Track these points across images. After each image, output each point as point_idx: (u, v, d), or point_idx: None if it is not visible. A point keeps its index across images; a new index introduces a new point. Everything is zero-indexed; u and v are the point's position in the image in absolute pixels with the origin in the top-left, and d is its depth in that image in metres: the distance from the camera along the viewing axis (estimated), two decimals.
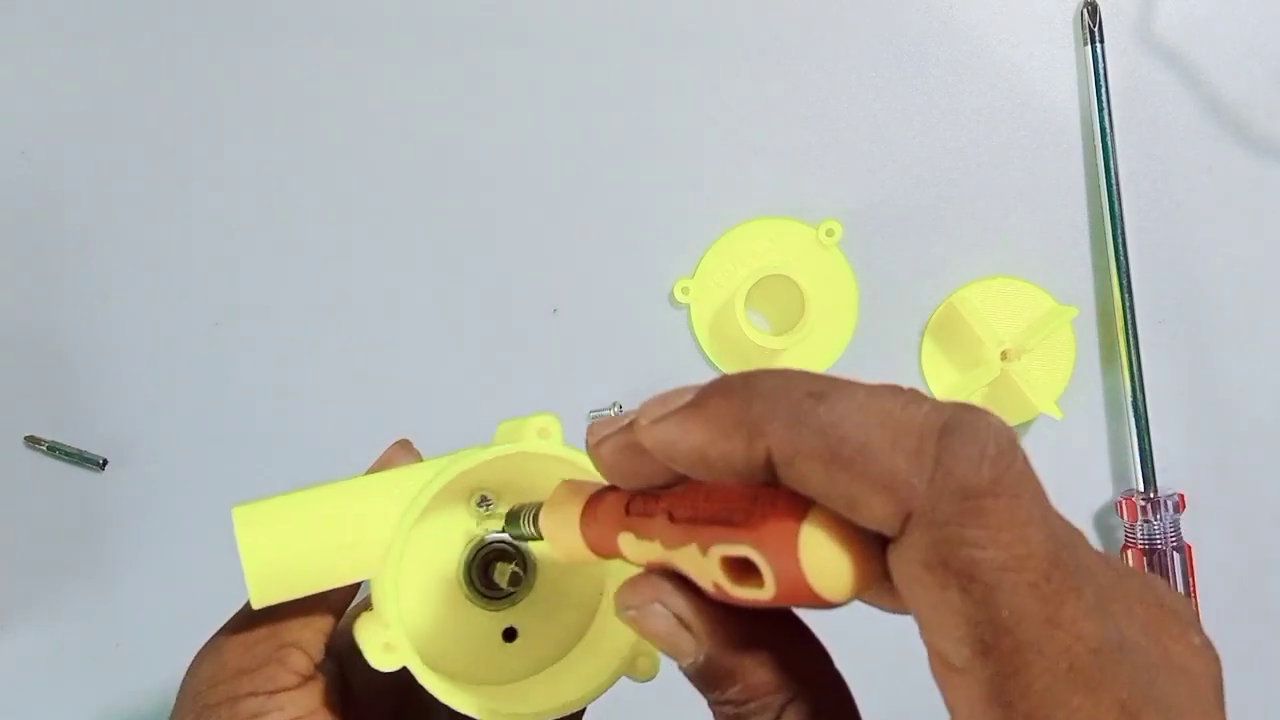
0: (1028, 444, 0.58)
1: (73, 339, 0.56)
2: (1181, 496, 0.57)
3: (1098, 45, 0.58)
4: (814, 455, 0.20)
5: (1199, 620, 0.22)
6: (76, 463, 0.56)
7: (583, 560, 0.27)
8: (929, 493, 0.19)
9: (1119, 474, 0.59)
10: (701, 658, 0.23)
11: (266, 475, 0.56)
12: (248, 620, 0.31)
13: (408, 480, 0.31)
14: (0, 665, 0.55)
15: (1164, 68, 0.59)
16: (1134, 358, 0.57)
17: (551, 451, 0.31)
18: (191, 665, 0.32)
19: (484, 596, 0.33)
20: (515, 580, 0.33)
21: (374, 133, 0.58)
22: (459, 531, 0.33)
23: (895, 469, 0.19)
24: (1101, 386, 0.59)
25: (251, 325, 0.57)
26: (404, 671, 0.31)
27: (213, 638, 0.32)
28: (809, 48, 0.58)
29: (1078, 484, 0.59)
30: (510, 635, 0.34)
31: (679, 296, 0.57)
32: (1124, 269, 0.57)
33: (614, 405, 0.57)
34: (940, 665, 0.20)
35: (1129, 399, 0.57)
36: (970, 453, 0.19)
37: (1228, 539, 0.59)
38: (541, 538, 0.28)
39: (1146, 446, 0.57)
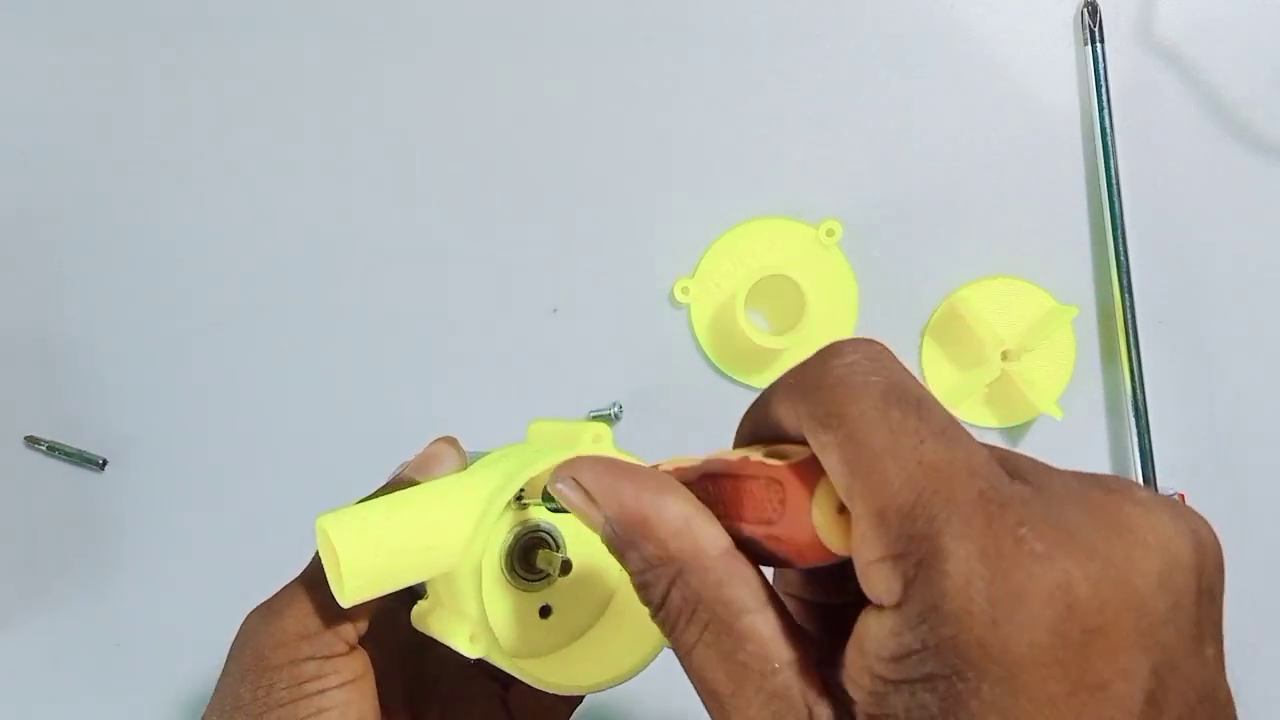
0: (1028, 444, 0.58)
1: (73, 339, 0.56)
2: (1182, 496, 0.57)
3: (1098, 45, 0.58)
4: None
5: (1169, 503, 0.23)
6: (76, 463, 0.56)
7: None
8: (802, 390, 0.25)
9: (1119, 474, 0.59)
10: (608, 529, 0.27)
11: (267, 475, 0.56)
12: (305, 592, 0.34)
13: (478, 485, 0.34)
14: (0, 665, 0.55)
15: (1164, 68, 0.59)
16: (1134, 358, 0.57)
17: (609, 455, 0.34)
18: (245, 629, 0.34)
19: (523, 579, 0.36)
20: (566, 568, 0.36)
21: (374, 132, 0.58)
22: (501, 523, 0.36)
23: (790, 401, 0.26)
24: (1101, 386, 0.59)
25: (251, 325, 0.57)
26: (413, 650, 0.35)
27: (268, 605, 0.34)
28: (809, 47, 0.58)
29: None
30: (545, 612, 0.37)
31: (679, 296, 0.57)
32: (1124, 269, 0.57)
33: (614, 405, 0.57)
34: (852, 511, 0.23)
35: (1129, 399, 0.57)
36: (813, 356, 0.25)
37: (1227, 539, 0.59)
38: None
39: (1146, 446, 0.57)
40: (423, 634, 0.36)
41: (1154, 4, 0.59)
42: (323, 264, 0.57)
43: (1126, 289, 0.57)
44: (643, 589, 0.26)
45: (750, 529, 0.25)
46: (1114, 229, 0.57)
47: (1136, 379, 0.57)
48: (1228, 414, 0.59)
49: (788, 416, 0.25)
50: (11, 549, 0.56)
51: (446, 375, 0.57)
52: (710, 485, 0.27)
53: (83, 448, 0.56)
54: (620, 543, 0.26)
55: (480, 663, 0.36)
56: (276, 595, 0.35)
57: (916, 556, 0.21)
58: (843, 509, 0.24)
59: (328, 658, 0.33)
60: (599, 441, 0.34)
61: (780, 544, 0.25)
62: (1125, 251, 0.57)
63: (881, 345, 0.25)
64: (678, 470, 0.28)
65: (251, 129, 0.58)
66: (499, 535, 0.36)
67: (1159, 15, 0.59)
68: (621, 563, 0.27)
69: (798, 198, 0.58)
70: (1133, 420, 0.57)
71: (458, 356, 0.57)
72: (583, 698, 0.38)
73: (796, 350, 0.56)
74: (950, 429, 0.23)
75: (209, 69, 0.58)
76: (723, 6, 0.58)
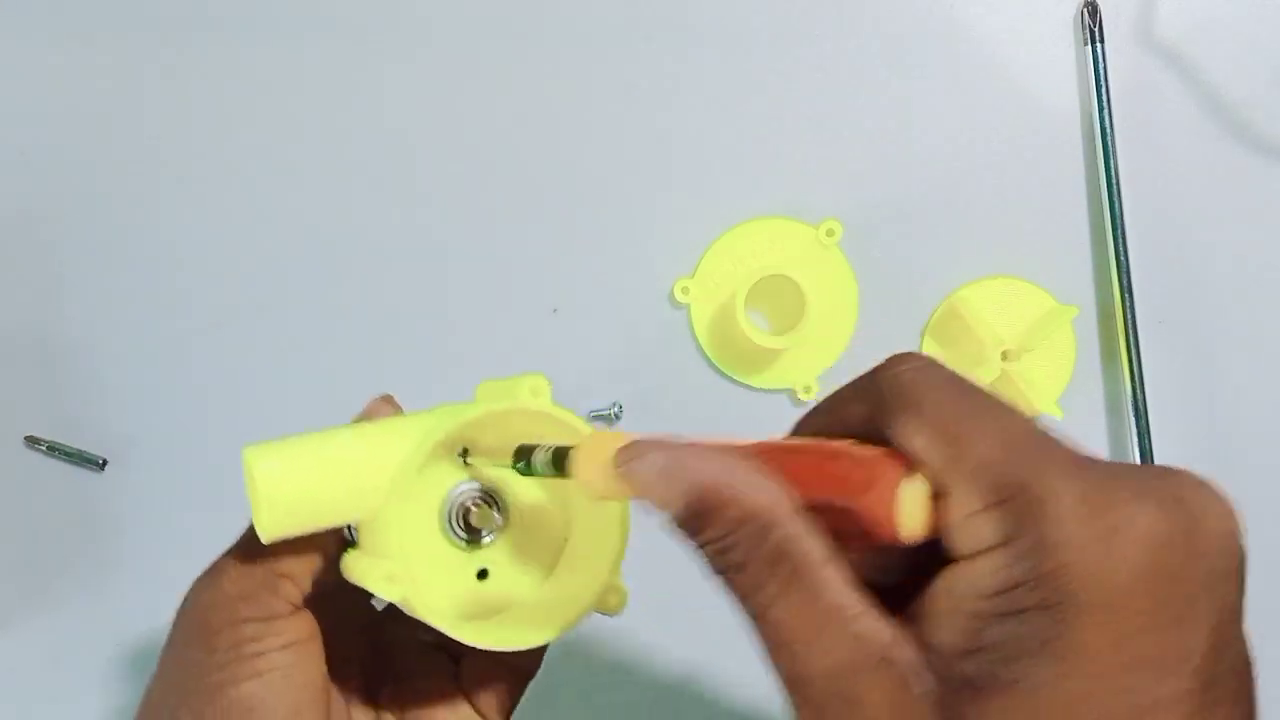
0: None
1: (73, 339, 0.56)
2: None
3: (1098, 45, 0.58)
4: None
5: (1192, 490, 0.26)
6: (76, 463, 0.56)
7: (614, 498, 0.31)
8: (876, 391, 0.28)
9: None
10: (682, 504, 0.27)
11: None
12: (242, 554, 0.34)
13: (410, 427, 0.33)
14: (0, 665, 0.55)
15: (1164, 68, 0.59)
16: (1134, 358, 0.57)
17: (546, 410, 0.34)
18: (188, 596, 0.34)
19: (461, 539, 0.36)
20: (505, 526, 0.36)
21: (374, 132, 0.58)
22: (441, 480, 0.36)
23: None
24: (1101, 386, 0.59)
25: (251, 325, 0.57)
26: (368, 626, 0.36)
27: (207, 571, 0.34)
28: (809, 47, 0.58)
29: None
30: (483, 575, 0.37)
31: (679, 296, 0.57)
32: (1124, 269, 0.57)
33: (614, 405, 0.57)
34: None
35: (1129, 399, 0.57)
36: (878, 366, 0.29)
37: None
38: (552, 475, 0.32)
39: (1146, 446, 0.57)
40: (379, 612, 0.36)
41: (1154, 4, 0.59)
42: (323, 264, 0.57)
43: (1126, 289, 0.57)
44: (723, 554, 0.27)
45: (833, 498, 0.27)
46: (1114, 229, 0.57)
47: (1136, 379, 0.57)
48: (1228, 414, 0.59)
49: (856, 416, 0.28)
50: (11, 549, 0.56)
51: (446, 375, 0.57)
52: (786, 458, 0.28)
53: (83, 448, 0.56)
54: (697, 514, 0.27)
55: (436, 641, 0.36)
56: (217, 559, 0.34)
57: (1021, 500, 0.24)
58: (932, 497, 0.26)
59: (268, 620, 0.32)
60: (537, 393, 0.34)
61: (854, 518, 0.26)
62: (1125, 251, 0.57)
63: (933, 357, 0.28)
64: (739, 446, 0.29)
65: (251, 129, 0.58)
66: (438, 491, 0.36)
67: (1159, 15, 0.59)
68: (696, 537, 0.27)
69: (798, 198, 0.58)
70: (1133, 420, 0.57)
71: (458, 356, 0.57)
72: (535, 672, 0.38)
73: (796, 350, 0.56)
74: (1019, 409, 0.26)
75: (209, 69, 0.58)
76: (723, 6, 0.58)
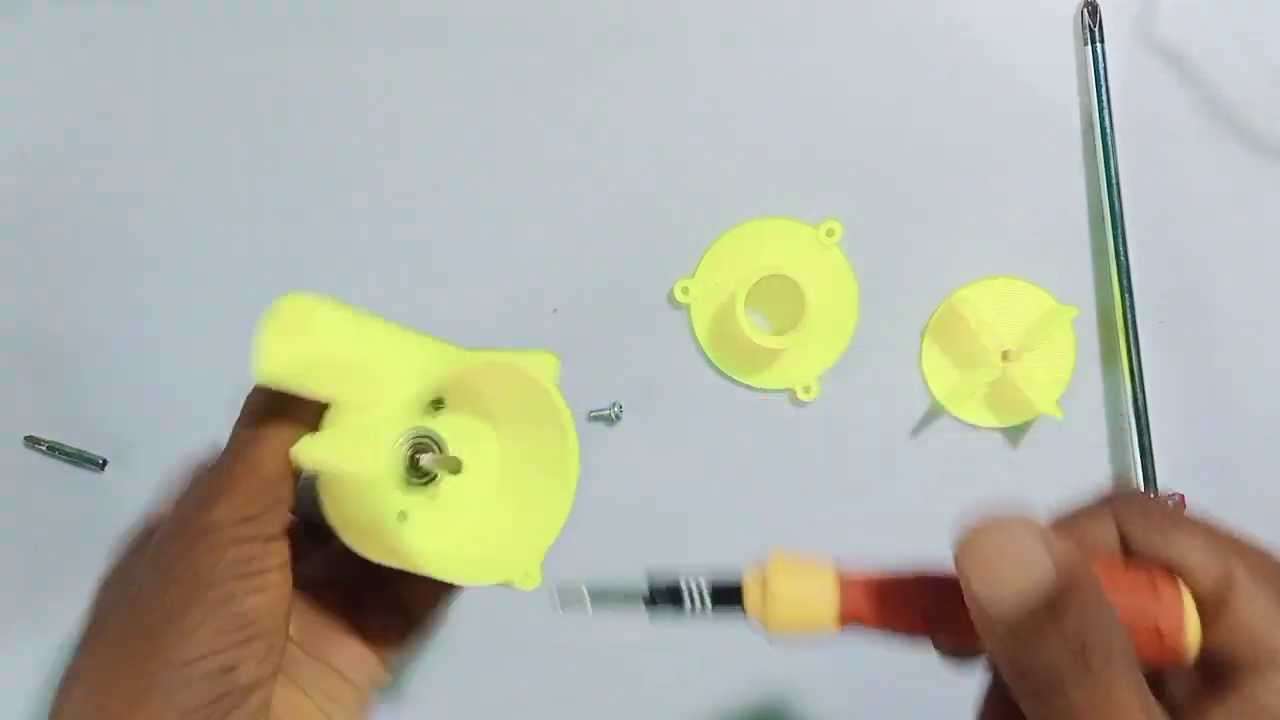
0: (1028, 444, 0.58)
1: (73, 339, 0.56)
2: (1181, 496, 0.57)
3: (1098, 45, 0.58)
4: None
5: None
6: (76, 463, 0.56)
7: (806, 632, 0.31)
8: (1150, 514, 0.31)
9: (1119, 474, 0.59)
10: (1046, 583, 0.26)
11: None
12: (239, 480, 0.34)
13: (437, 344, 0.35)
14: (0, 666, 0.55)
15: (1164, 68, 0.59)
16: (1134, 358, 0.57)
17: (549, 391, 0.36)
18: (180, 517, 0.35)
19: (404, 479, 0.38)
20: (454, 468, 0.37)
21: (373, 131, 0.58)
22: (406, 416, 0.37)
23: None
24: (1101, 386, 0.59)
25: (252, 325, 0.57)
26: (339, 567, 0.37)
27: (200, 495, 0.35)
28: (809, 47, 0.58)
29: (1078, 484, 0.59)
30: (402, 518, 0.38)
31: (679, 296, 0.57)
32: (1124, 269, 0.57)
33: (614, 405, 0.57)
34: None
35: (1129, 399, 0.57)
36: (1139, 495, 0.31)
37: None
38: (708, 610, 0.32)
39: (1146, 446, 0.57)
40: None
41: (1154, 4, 0.59)
42: (323, 264, 0.57)
43: (1126, 289, 0.57)
44: (1082, 638, 0.26)
45: (1122, 605, 0.27)
46: (1114, 229, 0.57)
47: (1136, 379, 0.57)
48: (1228, 414, 0.59)
49: (1096, 537, 0.30)
50: (11, 549, 0.56)
51: None
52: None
53: (83, 448, 0.56)
54: (1061, 595, 0.26)
55: (336, 577, 0.37)
56: (208, 484, 0.35)
57: None
58: (1204, 613, 0.28)
59: (267, 540, 0.34)
60: (546, 372, 0.36)
61: (1133, 628, 0.27)
62: (1125, 251, 0.57)
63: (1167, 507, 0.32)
64: None
65: (252, 128, 0.57)
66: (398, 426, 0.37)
67: (1159, 15, 0.59)
68: (1053, 622, 0.26)
69: (798, 198, 0.58)
70: (1133, 420, 0.57)
71: None
72: (429, 628, 0.39)
73: (796, 350, 0.56)
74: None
75: (209, 69, 0.58)
76: (723, 6, 0.58)
